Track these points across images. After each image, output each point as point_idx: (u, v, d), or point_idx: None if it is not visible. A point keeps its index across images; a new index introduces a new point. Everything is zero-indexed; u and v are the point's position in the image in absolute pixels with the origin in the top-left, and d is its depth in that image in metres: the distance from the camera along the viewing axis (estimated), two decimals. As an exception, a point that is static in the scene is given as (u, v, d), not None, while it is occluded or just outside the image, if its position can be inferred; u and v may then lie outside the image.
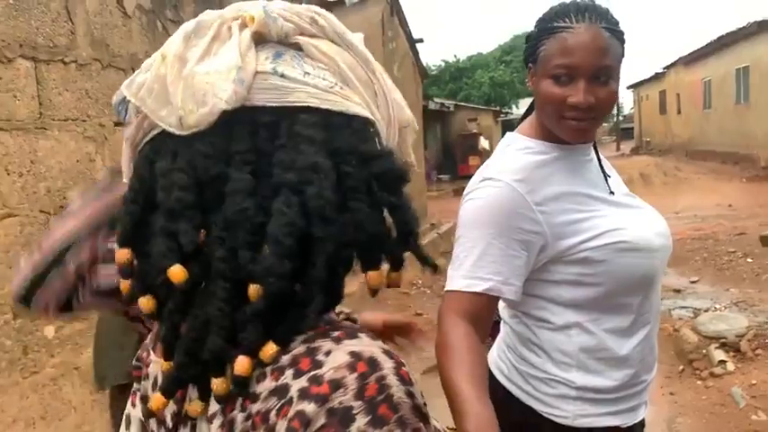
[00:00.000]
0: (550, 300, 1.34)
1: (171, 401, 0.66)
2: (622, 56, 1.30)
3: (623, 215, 1.34)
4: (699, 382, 4.36)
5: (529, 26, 1.39)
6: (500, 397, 1.39)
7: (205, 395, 0.63)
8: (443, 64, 34.99)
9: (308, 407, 0.56)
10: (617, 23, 1.28)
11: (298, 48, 0.65)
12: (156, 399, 0.64)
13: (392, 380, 0.58)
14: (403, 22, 10.64)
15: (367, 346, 0.61)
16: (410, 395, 0.59)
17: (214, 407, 0.62)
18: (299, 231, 0.59)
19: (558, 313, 1.34)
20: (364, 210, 0.61)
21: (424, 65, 12.96)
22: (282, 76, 0.62)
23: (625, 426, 1.38)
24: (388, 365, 0.59)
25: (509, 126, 1.49)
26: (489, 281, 1.24)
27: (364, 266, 0.63)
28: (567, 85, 1.26)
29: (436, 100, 19.08)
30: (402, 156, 0.72)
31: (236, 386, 0.60)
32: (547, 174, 1.31)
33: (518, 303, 1.37)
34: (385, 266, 0.64)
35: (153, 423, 0.70)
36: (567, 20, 1.25)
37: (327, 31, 0.66)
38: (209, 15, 0.66)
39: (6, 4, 2.30)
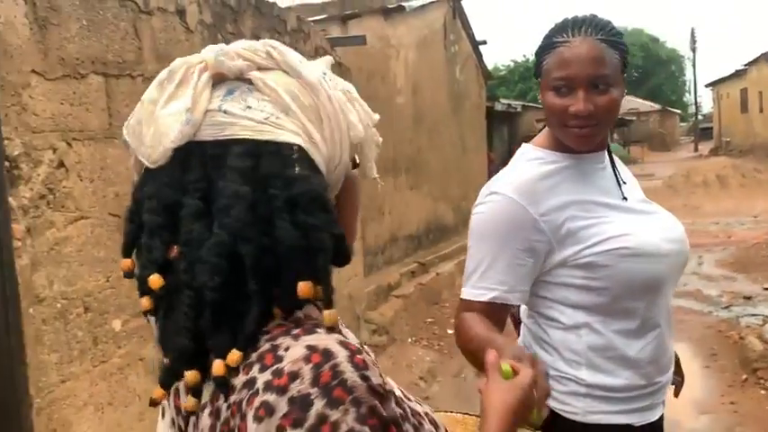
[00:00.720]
0: (559, 301, 1.40)
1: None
2: (623, 64, 1.37)
3: (632, 221, 1.39)
4: (762, 392, 4.22)
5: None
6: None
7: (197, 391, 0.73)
8: (512, 64, 34.59)
9: (271, 397, 0.64)
10: (616, 34, 1.35)
11: (250, 82, 0.75)
12: (157, 390, 0.74)
13: (346, 366, 0.65)
14: (466, 25, 10.65)
15: (323, 339, 0.68)
16: (364, 378, 0.66)
17: (206, 398, 0.72)
18: (228, 249, 0.69)
19: (568, 314, 1.40)
20: (285, 226, 0.69)
21: (493, 66, 12.89)
22: (225, 112, 0.72)
23: (639, 425, 1.41)
24: (342, 354, 0.66)
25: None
26: (494, 290, 1.35)
27: (296, 277, 0.70)
28: (567, 96, 1.33)
29: (503, 101, 18.87)
30: (357, 173, 0.81)
31: (215, 383, 0.69)
32: (554, 184, 1.37)
33: (531, 303, 1.44)
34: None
35: (173, 411, 0.81)
36: (565, 34, 1.34)
37: (280, 63, 0.75)
38: (178, 62, 0.77)
39: (80, 25, 2.52)
